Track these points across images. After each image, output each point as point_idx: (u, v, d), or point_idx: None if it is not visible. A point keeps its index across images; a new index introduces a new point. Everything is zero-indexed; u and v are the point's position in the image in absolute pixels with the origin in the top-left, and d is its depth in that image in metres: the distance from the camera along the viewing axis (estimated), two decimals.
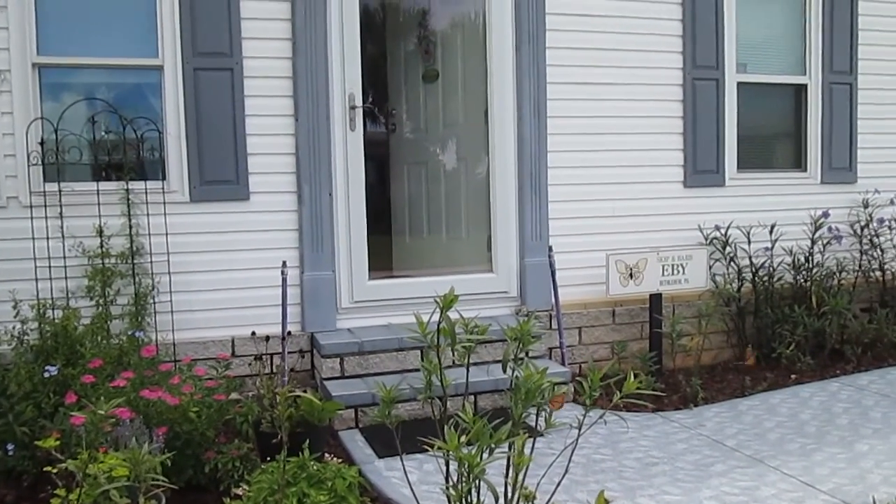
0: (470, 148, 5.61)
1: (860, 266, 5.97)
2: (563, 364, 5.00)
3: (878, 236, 5.95)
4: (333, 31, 4.77)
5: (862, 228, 5.97)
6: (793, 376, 5.23)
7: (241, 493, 3.03)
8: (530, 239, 5.20)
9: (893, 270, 6.00)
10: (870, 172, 6.14)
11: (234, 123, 4.59)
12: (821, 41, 5.98)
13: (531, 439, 2.64)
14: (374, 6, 6.88)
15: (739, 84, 5.78)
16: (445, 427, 2.41)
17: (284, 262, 4.64)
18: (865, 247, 5.98)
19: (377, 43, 6.79)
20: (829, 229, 5.74)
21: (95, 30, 4.43)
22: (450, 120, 5.90)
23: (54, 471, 2.64)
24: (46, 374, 3.65)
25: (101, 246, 4.30)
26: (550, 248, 5.20)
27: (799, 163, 6.12)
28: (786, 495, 3.38)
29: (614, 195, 5.41)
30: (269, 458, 3.32)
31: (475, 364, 4.49)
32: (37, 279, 4.19)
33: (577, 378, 3.96)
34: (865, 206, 5.99)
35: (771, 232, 5.59)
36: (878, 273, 6.00)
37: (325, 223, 4.77)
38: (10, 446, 3.55)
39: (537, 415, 2.63)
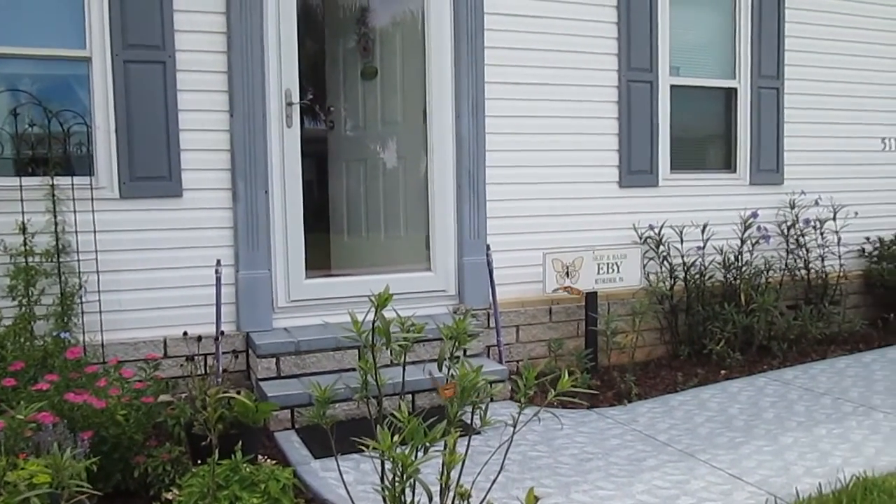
0: (409, 146, 5.60)
1: (787, 265, 6.19)
2: (500, 362, 5.04)
3: (803, 236, 6.17)
4: (270, 25, 4.70)
5: (788, 228, 6.18)
6: (723, 372, 5.38)
7: (171, 498, 2.96)
8: (468, 237, 5.22)
9: (817, 269, 6.24)
10: (796, 174, 6.36)
11: (166, 118, 4.47)
12: (750, 46, 6.17)
13: (467, 437, 2.66)
14: (314, 2, 6.81)
15: (672, 87, 5.91)
16: (379, 427, 2.40)
17: (219, 261, 4.55)
18: (792, 246, 6.20)
19: (316, 39, 6.72)
20: (758, 229, 5.93)
21: (19, 18, 4.25)
22: (389, 118, 5.87)
23: None
24: None
25: (25, 244, 4.14)
26: (488, 247, 5.23)
27: (729, 164, 6.30)
28: (715, 488, 3.47)
29: (551, 194, 5.47)
30: (201, 462, 3.25)
31: (412, 363, 4.48)
32: None
33: (514, 376, 4.00)
34: (792, 206, 6.21)
35: (703, 231, 5.74)
36: (803, 271, 6.22)
37: (260, 221, 4.69)
38: None
39: (472, 412, 2.64)
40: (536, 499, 2.22)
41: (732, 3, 6.16)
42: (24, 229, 4.14)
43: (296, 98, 4.80)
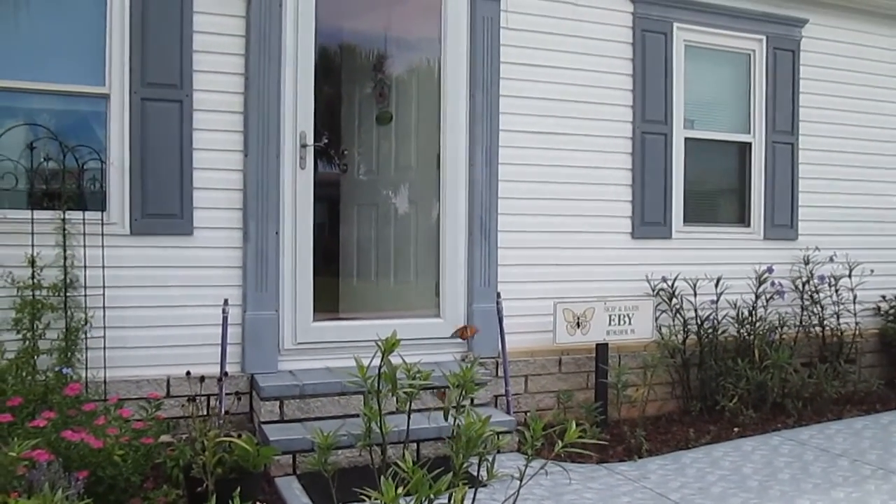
0: (421, 192, 5.59)
1: (801, 321, 6.09)
2: (508, 412, 4.94)
3: (818, 293, 6.08)
4: (287, 68, 4.73)
5: (803, 284, 6.10)
6: (736, 429, 5.25)
7: None
8: (479, 285, 5.17)
9: (832, 327, 6.13)
10: (811, 230, 6.30)
11: (180, 156, 4.48)
12: (764, 102, 6.18)
13: (472, 490, 2.57)
14: (332, 48, 6.89)
15: (687, 140, 5.91)
16: (383, 477, 2.32)
17: (226, 300, 4.51)
18: (806, 302, 6.11)
19: (333, 84, 6.78)
20: (772, 284, 5.85)
21: (41, 54, 4.31)
22: (402, 163, 5.88)
23: None
24: None
25: (33, 277, 4.11)
26: (499, 295, 5.17)
27: (743, 218, 6.25)
28: None
29: (563, 243, 5.43)
30: None
31: (418, 410, 4.37)
32: None
33: (521, 427, 3.91)
34: (806, 262, 6.13)
35: (716, 285, 5.66)
36: (818, 328, 6.12)
37: (270, 262, 4.66)
38: None
39: (479, 464, 2.56)
40: None
41: (747, 59, 6.19)
42: (33, 262, 4.12)
43: (310, 140, 4.81)
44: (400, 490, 2.26)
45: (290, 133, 4.76)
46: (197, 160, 4.52)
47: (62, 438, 3.19)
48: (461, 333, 2.53)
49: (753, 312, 5.77)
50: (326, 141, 5.05)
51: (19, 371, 3.86)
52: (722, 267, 5.83)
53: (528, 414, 5.13)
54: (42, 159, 4.23)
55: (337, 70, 6.75)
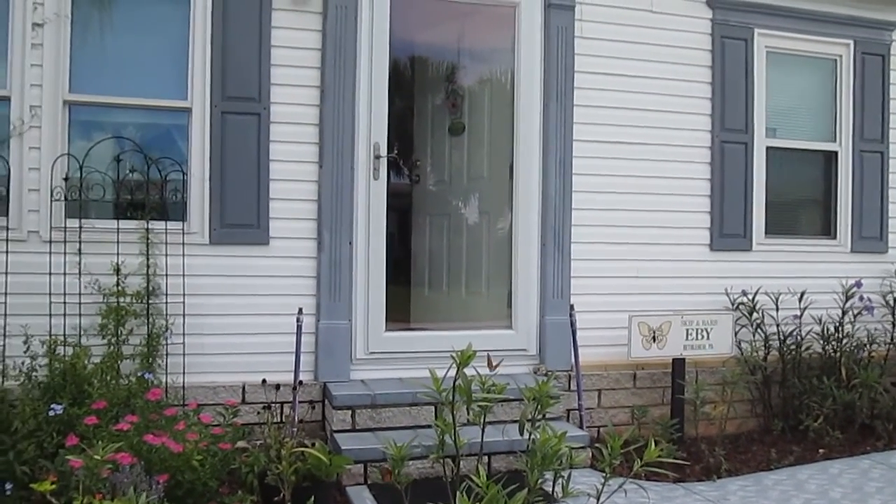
0: (493, 202, 5.56)
1: (892, 338, 5.78)
2: (580, 427, 4.84)
3: None
4: (362, 80, 4.78)
5: (895, 300, 5.80)
6: (821, 451, 5.02)
7: None
8: (551, 297, 5.09)
9: None
10: None
11: (258, 168, 4.58)
12: (852, 108, 5.92)
13: None
14: (404, 60, 6.95)
15: (768, 148, 5.71)
16: (458, 492, 2.29)
17: (300, 309, 4.57)
18: None
19: (405, 96, 6.83)
20: (861, 299, 5.57)
21: (127, 70, 4.48)
22: (474, 173, 5.87)
23: None
24: (51, 413, 3.58)
25: (118, 284, 4.26)
26: (572, 307, 5.08)
27: (828, 230, 6.00)
28: None
29: (639, 255, 5.31)
30: None
31: (490, 423, 4.32)
32: (50, 315, 4.14)
33: (596, 444, 3.82)
34: None
35: (800, 300, 5.44)
36: None
37: (343, 271, 4.70)
38: (8, 486, 3.46)
39: (554, 480, 2.51)
40: None
41: (833, 64, 5.96)
42: (118, 270, 4.26)
43: (384, 151, 4.84)
44: None
45: (364, 144, 4.80)
46: (273, 171, 4.61)
47: (144, 442, 3.27)
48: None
49: (840, 328, 5.51)
50: (398, 152, 5.08)
51: (104, 375, 3.98)
52: (806, 280, 5.59)
53: (602, 429, 5.04)
54: (128, 171, 4.38)
55: (409, 82, 6.80)
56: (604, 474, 2.47)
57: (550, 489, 2.51)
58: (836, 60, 5.95)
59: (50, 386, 3.87)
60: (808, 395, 5.25)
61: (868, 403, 5.30)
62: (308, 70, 4.69)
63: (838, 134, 5.96)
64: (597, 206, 5.22)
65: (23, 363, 3.96)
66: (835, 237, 5.95)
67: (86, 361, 3.96)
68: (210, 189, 4.52)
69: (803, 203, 6.12)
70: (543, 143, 5.12)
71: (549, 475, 2.48)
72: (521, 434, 2.50)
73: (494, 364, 2.53)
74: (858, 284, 5.56)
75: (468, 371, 2.49)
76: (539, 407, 2.53)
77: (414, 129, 6.54)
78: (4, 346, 4.06)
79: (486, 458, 4.25)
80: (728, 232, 5.55)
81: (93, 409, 3.53)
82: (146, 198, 4.40)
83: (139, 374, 4.07)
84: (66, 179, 4.27)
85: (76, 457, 2.91)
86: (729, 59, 5.53)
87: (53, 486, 2.57)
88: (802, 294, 5.45)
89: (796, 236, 5.88)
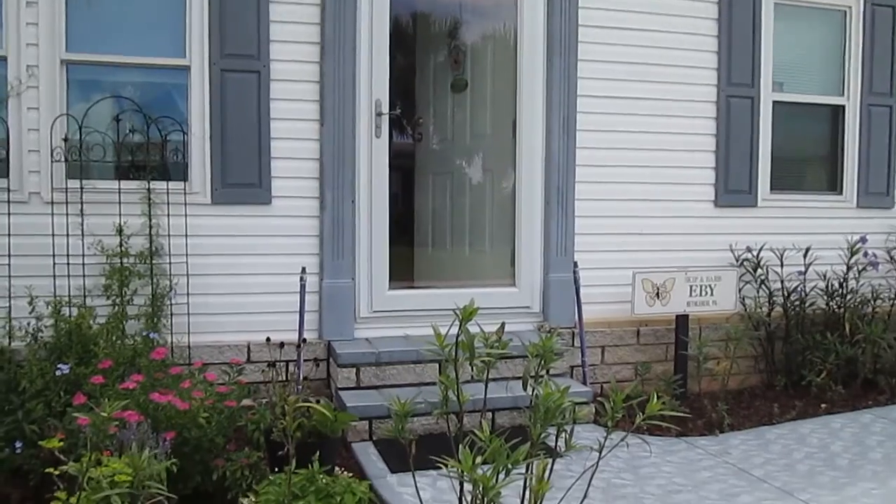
0: (496, 160, 5.52)
1: None
2: (584, 383, 4.87)
3: None
4: (362, 36, 4.71)
5: None
6: (823, 405, 5.04)
7: None
8: (555, 254, 5.08)
9: None
10: None
11: (258, 126, 4.54)
12: (860, 62, 5.83)
13: (550, 461, 2.53)
14: (405, 17, 6.84)
15: (775, 103, 5.63)
16: (461, 446, 2.31)
17: (304, 269, 4.57)
18: None
19: (407, 53, 6.74)
20: (865, 255, 5.55)
21: (124, 28, 4.42)
22: (477, 131, 5.81)
23: (56, 472, 2.56)
24: (58, 373, 3.60)
25: (121, 245, 4.26)
26: (575, 264, 5.08)
27: (834, 185, 5.95)
28: None
29: (643, 212, 5.28)
30: (278, 469, 3.23)
31: (494, 380, 4.34)
32: (54, 276, 4.16)
33: (599, 398, 3.84)
34: None
35: (805, 255, 5.42)
36: None
37: (346, 230, 4.69)
38: (18, 444, 3.50)
39: (557, 435, 2.52)
40: None
41: (842, 17, 5.84)
42: (120, 231, 4.26)
43: (385, 108, 4.79)
44: (478, 459, 2.25)
45: (366, 102, 4.75)
46: (274, 130, 4.57)
47: (150, 400, 3.30)
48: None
49: (844, 284, 5.50)
50: (401, 110, 5.03)
51: (109, 335, 4.00)
52: (811, 237, 5.57)
53: (606, 385, 5.07)
54: (128, 131, 4.35)
55: (411, 38, 6.70)
56: (606, 428, 2.48)
57: (553, 444, 2.52)
58: (845, 12, 5.83)
59: (56, 346, 3.90)
60: (811, 351, 5.27)
61: (871, 358, 5.32)
62: (308, 26, 4.62)
63: (846, 88, 5.87)
64: (601, 162, 5.18)
65: (28, 324, 3.99)
66: (841, 193, 5.90)
67: (91, 322, 3.98)
68: (211, 148, 4.48)
69: (809, 158, 6.06)
70: (547, 99, 5.06)
71: (552, 430, 2.49)
72: (525, 389, 2.51)
73: (503, 330, 2.53)
74: (864, 240, 5.54)
75: (472, 328, 2.49)
76: (542, 362, 2.53)
77: (416, 87, 6.47)
78: (10, 307, 4.08)
79: (489, 414, 4.30)
80: (733, 188, 5.51)
81: (99, 369, 3.56)
82: (147, 158, 4.37)
83: (144, 333, 4.09)
84: (65, 140, 4.24)
85: (84, 414, 2.93)
86: (736, 12, 5.43)
87: (62, 444, 2.60)
88: (807, 250, 5.43)
89: (802, 192, 5.84)
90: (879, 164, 5.91)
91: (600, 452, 2.47)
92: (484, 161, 5.77)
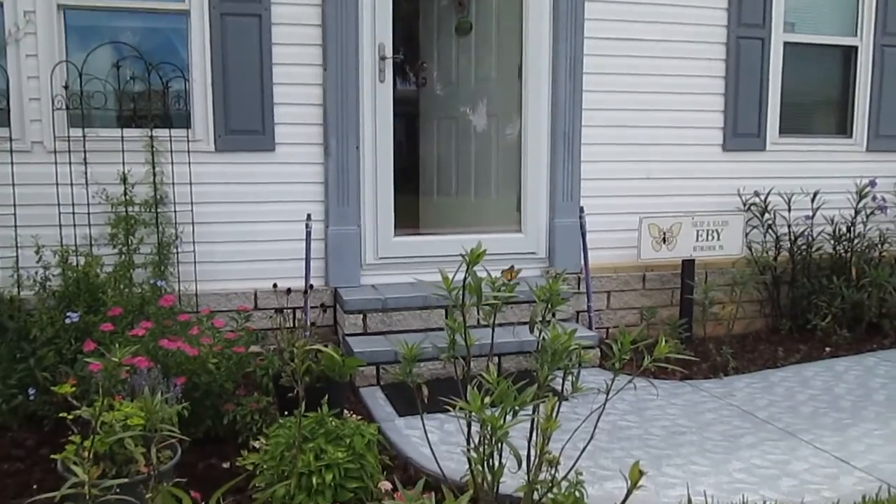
0: (502, 104, 5.45)
1: None
2: (590, 328, 4.90)
3: None
4: None
5: None
6: (827, 349, 5.07)
7: (258, 447, 2.99)
8: (561, 199, 5.06)
9: None
10: None
11: (261, 72, 4.47)
12: (875, 1, 5.68)
13: (556, 400, 2.55)
14: None
15: (786, 44, 5.52)
16: (469, 387, 2.32)
17: (309, 216, 4.56)
18: None
19: None
20: (874, 199, 5.51)
21: None
22: (482, 75, 5.73)
23: (70, 417, 2.60)
24: (68, 321, 3.63)
25: (125, 193, 4.25)
26: (582, 209, 5.06)
27: (844, 129, 5.87)
28: (819, 471, 3.26)
29: (650, 156, 5.23)
30: (287, 413, 3.27)
31: (500, 325, 4.35)
32: (60, 225, 4.16)
33: (605, 342, 3.86)
34: None
35: (812, 200, 5.38)
36: None
37: (351, 177, 4.66)
38: (31, 391, 3.56)
39: (563, 378, 2.54)
40: (641, 473, 2.09)
41: None
42: (125, 179, 4.24)
43: (389, 53, 4.71)
44: (486, 400, 2.27)
45: (369, 46, 4.67)
46: (277, 75, 4.50)
47: (160, 347, 3.33)
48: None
49: (852, 229, 5.47)
50: (404, 55, 4.94)
51: (117, 284, 4.03)
52: (819, 181, 5.52)
53: (612, 329, 5.10)
54: (128, 78, 4.29)
55: None
56: (612, 372, 2.49)
57: (560, 387, 2.54)
58: None
59: (64, 295, 3.92)
60: (816, 295, 5.27)
61: (877, 302, 5.32)
62: None
63: (859, 28, 5.74)
64: (607, 106, 5.10)
65: (36, 273, 4.00)
66: (851, 136, 5.83)
67: (98, 270, 4.00)
68: (213, 95, 4.43)
69: (819, 101, 5.96)
70: (553, 41, 4.97)
71: (558, 374, 2.51)
72: (532, 332, 2.52)
73: (514, 272, 2.52)
74: (873, 184, 5.49)
75: (479, 273, 2.49)
76: (549, 306, 2.53)
77: (420, 31, 6.35)
78: (17, 256, 4.09)
79: (496, 359, 4.33)
80: (742, 132, 5.44)
81: (108, 317, 3.58)
82: (149, 105, 4.32)
83: (152, 281, 4.11)
84: (66, 87, 4.19)
85: (95, 360, 2.96)
86: None
87: (74, 390, 2.63)
88: (815, 194, 5.39)
89: (811, 135, 5.76)
90: (891, 107, 5.81)
91: (607, 394, 2.49)
92: (489, 106, 5.70)
